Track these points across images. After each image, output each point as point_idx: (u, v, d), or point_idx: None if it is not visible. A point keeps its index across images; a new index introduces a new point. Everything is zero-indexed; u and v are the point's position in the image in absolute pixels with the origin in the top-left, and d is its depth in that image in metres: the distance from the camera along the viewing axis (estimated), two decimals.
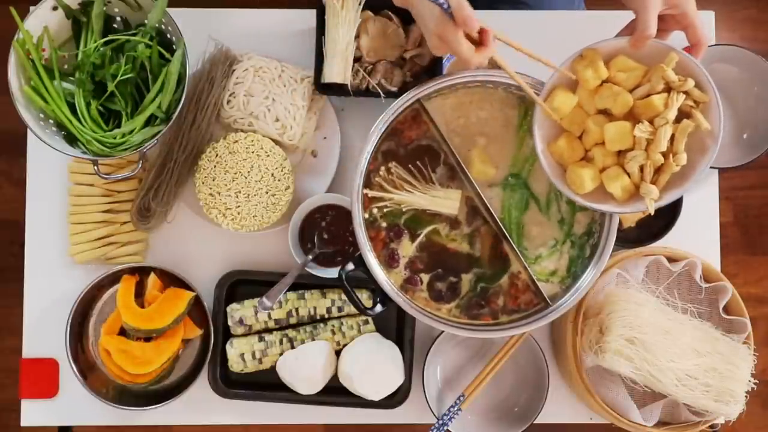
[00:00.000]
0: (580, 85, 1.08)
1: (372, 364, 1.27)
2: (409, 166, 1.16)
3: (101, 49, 1.23)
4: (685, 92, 1.03)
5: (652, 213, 1.06)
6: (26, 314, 1.36)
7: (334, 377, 1.30)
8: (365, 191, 1.14)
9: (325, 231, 1.30)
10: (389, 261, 1.15)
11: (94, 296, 1.34)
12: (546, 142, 1.10)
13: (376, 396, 1.28)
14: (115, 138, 1.23)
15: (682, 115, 1.04)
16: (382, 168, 1.16)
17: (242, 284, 1.33)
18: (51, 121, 1.25)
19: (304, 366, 1.27)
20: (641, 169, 1.05)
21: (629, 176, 1.06)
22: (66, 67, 1.26)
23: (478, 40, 0.99)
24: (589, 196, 1.08)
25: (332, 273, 1.29)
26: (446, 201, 1.15)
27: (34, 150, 1.37)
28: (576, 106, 1.09)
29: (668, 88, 1.04)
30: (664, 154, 1.04)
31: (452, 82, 1.14)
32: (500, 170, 1.17)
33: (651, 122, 1.04)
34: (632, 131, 1.03)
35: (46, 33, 1.22)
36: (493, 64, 1.04)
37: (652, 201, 1.05)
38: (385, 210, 1.16)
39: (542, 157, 1.09)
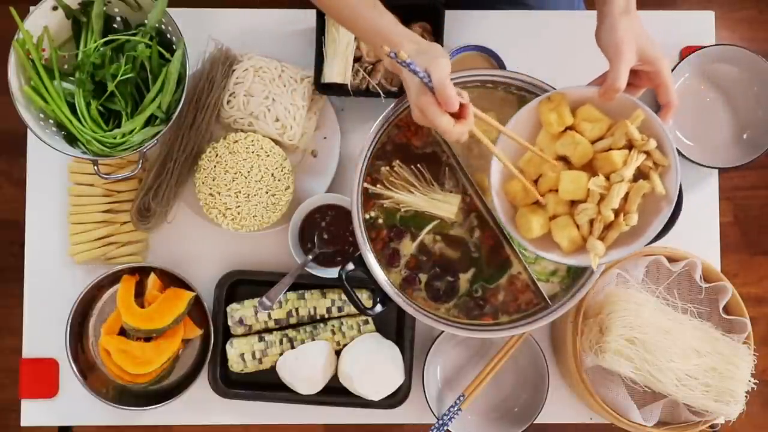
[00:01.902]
0: (542, 127, 1.05)
1: (372, 364, 1.27)
2: (411, 166, 1.16)
3: (101, 49, 1.23)
4: (647, 152, 1.01)
5: (595, 269, 1.03)
6: (26, 314, 1.36)
7: (334, 377, 1.30)
8: (365, 185, 1.14)
9: (325, 231, 1.30)
10: (391, 260, 1.15)
11: (94, 296, 1.34)
12: (502, 181, 1.07)
13: (376, 396, 1.28)
14: (115, 138, 1.23)
15: (641, 174, 1.02)
16: (384, 167, 1.16)
17: (242, 284, 1.33)
18: (51, 121, 1.25)
19: (304, 366, 1.27)
20: (591, 222, 1.03)
21: (578, 228, 1.04)
22: (66, 67, 1.27)
23: (458, 114, 0.98)
24: (536, 242, 1.05)
25: (332, 273, 1.29)
26: (445, 205, 1.15)
27: (34, 150, 1.37)
28: (536, 147, 1.06)
29: (630, 145, 1.01)
30: (616, 212, 1.01)
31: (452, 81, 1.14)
32: None
33: (607, 177, 1.01)
34: (587, 183, 1.00)
35: (46, 33, 1.22)
36: (472, 136, 1.02)
37: (597, 257, 1.01)
38: (384, 207, 1.15)
39: (495, 197, 1.06)
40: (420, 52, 0.97)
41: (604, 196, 1.01)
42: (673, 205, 1.01)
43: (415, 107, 0.99)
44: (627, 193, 1.01)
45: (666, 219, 1.01)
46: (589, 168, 1.04)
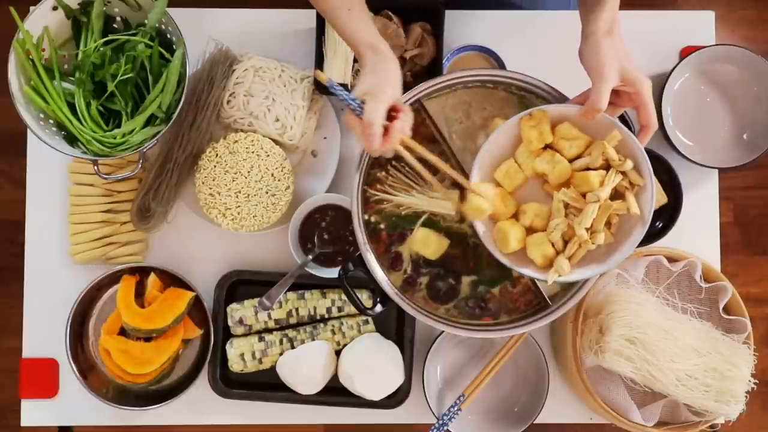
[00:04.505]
0: (522, 143, 1.07)
1: (372, 364, 1.27)
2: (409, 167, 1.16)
3: (101, 49, 1.23)
4: (623, 172, 1.02)
5: (549, 284, 1.04)
6: (26, 314, 1.36)
7: (334, 377, 1.30)
8: (365, 187, 1.14)
9: (325, 231, 1.30)
10: (393, 263, 1.15)
11: (94, 296, 1.34)
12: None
13: (376, 396, 1.28)
14: (115, 138, 1.23)
15: (617, 194, 1.04)
16: (382, 170, 1.15)
17: (242, 284, 1.33)
18: (51, 121, 1.25)
19: (304, 366, 1.27)
20: (565, 240, 1.04)
21: (553, 245, 1.05)
22: (66, 67, 1.27)
23: (383, 132, 1.01)
24: (512, 257, 1.07)
25: (332, 273, 1.29)
26: (444, 202, 1.15)
27: (34, 150, 1.37)
28: (514, 162, 1.07)
29: (608, 165, 1.03)
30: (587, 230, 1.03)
31: (452, 82, 1.14)
32: None
33: (583, 196, 1.03)
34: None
35: (46, 33, 1.22)
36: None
37: (556, 274, 1.03)
38: (384, 212, 1.15)
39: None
40: (374, 70, 1.02)
41: (575, 212, 1.02)
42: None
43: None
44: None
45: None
46: (567, 186, 1.05)
